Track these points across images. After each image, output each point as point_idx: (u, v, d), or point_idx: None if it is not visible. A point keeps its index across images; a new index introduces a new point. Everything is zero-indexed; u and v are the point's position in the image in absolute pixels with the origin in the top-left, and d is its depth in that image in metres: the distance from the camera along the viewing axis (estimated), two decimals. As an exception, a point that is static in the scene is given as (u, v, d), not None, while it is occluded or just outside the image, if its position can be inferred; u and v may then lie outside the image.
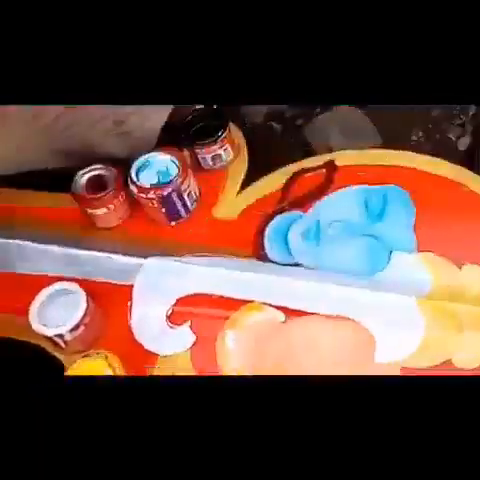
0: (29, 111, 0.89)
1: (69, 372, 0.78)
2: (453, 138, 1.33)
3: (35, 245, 0.91)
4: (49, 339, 0.81)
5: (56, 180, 0.96)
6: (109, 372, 0.77)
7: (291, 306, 0.83)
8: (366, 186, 0.90)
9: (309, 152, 1.06)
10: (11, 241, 0.92)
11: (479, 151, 1.12)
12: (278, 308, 0.83)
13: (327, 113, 1.39)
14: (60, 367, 0.80)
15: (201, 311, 0.85)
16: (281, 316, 0.83)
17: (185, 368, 0.82)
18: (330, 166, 0.93)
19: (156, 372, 0.82)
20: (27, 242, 0.92)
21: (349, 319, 0.81)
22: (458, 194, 0.89)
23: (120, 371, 0.77)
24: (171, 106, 0.97)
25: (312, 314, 0.82)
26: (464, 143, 1.30)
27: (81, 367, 0.78)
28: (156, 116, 0.97)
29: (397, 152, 0.95)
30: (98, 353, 0.79)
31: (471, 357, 0.78)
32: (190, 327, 0.83)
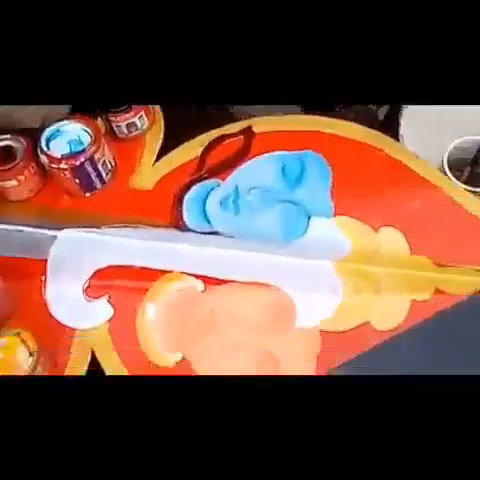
0: None
1: None
2: (373, 107, 1.36)
3: None
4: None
5: None
6: (23, 349, 0.76)
7: (210, 275, 0.83)
8: (283, 152, 0.91)
9: (231, 121, 1.05)
10: None
11: (396, 120, 1.14)
12: (197, 277, 0.84)
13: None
14: None
15: (119, 283, 0.85)
16: (200, 285, 0.84)
17: (104, 342, 0.82)
18: (248, 133, 0.94)
19: (73, 348, 0.82)
20: None
21: (269, 285, 0.82)
22: (375, 158, 0.91)
23: (34, 347, 0.76)
24: None
25: (232, 282, 0.83)
26: (383, 112, 1.33)
27: None
28: None
29: (315, 117, 0.96)
30: (9, 330, 0.77)
31: (388, 318, 0.80)
32: (108, 300, 0.83)
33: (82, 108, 0.94)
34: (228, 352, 0.81)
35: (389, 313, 0.80)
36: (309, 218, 0.86)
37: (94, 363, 0.81)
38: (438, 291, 0.80)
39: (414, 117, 1.04)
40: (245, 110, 1.29)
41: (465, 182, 0.91)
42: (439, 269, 0.82)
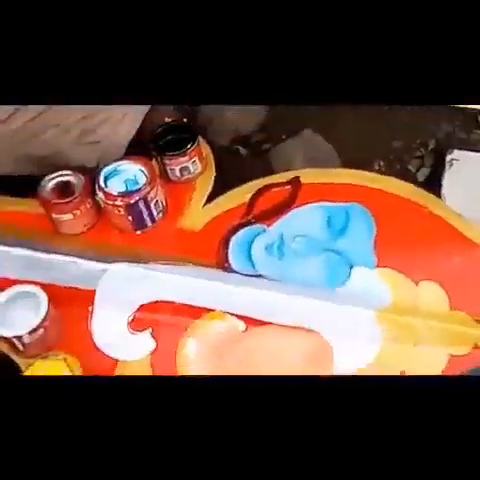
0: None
1: (27, 373, 0.77)
2: (413, 169, 1.37)
3: (-2, 247, 0.90)
4: (7, 340, 0.80)
5: (21, 185, 0.95)
6: (67, 373, 0.77)
7: (252, 316, 0.84)
8: (329, 203, 0.92)
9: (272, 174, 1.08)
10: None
11: (439, 181, 1.15)
12: (239, 317, 0.84)
13: (291, 139, 1.41)
14: (16, 369, 0.79)
15: (163, 318, 0.85)
16: (242, 325, 0.84)
17: (144, 375, 0.82)
18: (295, 182, 0.95)
19: (121, 367, 0.83)
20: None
21: (308, 330, 0.82)
22: (419, 215, 0.92)
23: (79, 374, 0.77)
24: (141, 118, 0.98)
25: (272, 324, 0.83)
26: (423, 174, 1.34)
27: (39, 368, 0.77)
28: (125, 127, 0.98)
29: (359, 171, 0.98)
30: (57, 355, 0.78)
31: (425, 370, 0.79)
32: (151, 334, 0.83)
33: (139, 151, 0.96)
34: None
35: (426, 365, 0.80)
36: (351, 268, 0.86)
37: None
38: (477, 347, 0.80)
39: (456, 179, 1.06)
40: (286, 167, 1.32)
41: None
42: (478, 325, 0.81)
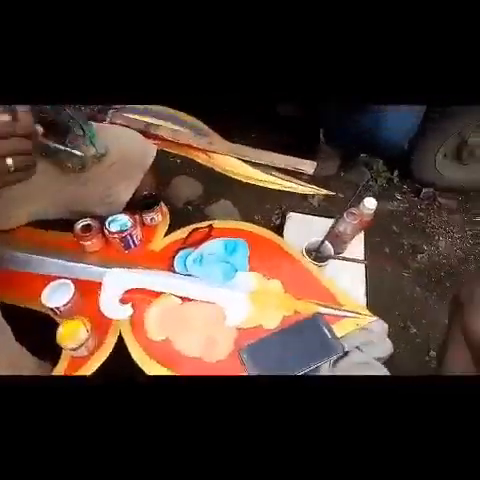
0: (55, 186, 0.87)
1: (61, 327, 0.77)
2: (274, 221, 1.46)
3: (48, 259, 0.91)
4: (51, 309, 0.81)
5: (65, 225, 0.95)
6: (84, 330, 0.76)
7: (184, 295, 0.86)
8: (226, 238, 0.95)
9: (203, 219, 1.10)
10: (34, 256, 0.91)
11: (282, 229, 1.20)
12: (177, 297, 0.86)
13: (215, 204, 1.48)
14: (56, 324, 0.79)
15: (138, 297, 0.86)
16: (179, 301, 0.86)
17: (127, 327, 0.83)
18: (210, 227, 0.98)
19: (111, 329, 0.82)
20: (44, 257, 0.91)
21: (212, 302, 0.85)
22: (271, 246, 0.96)
23: (89, 328, 0.77)
24: (133, 190, 0.97)
25: (195, 300, 0.86)
26: (276, 224, 1.44)
27: (67, 325, 0.77)
28: (125, 194, 0.97)
29: (246, 223, 1.00)
30: (78, 318, 0.78)
31: (271, 321, 0.83)
32: (131, 305, 0.84)
33: (129, 209, 0.96)
34: (192, 335, 0.82)
35: (272, 319, 0.84)
36: (236, 271, 0.89)
37: (120, 337, 0.82)
38: (297, 312, 0.84)
39: (290, 227, 1.13)
40: (212, 216, 1.37)
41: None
42: (298, 301, 0.85)
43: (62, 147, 0.77)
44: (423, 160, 1.57)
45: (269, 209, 1.56)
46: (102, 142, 0.83)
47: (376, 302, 0.88)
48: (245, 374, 0.76)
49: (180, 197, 1.50)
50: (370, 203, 0.97)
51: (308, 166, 0.98)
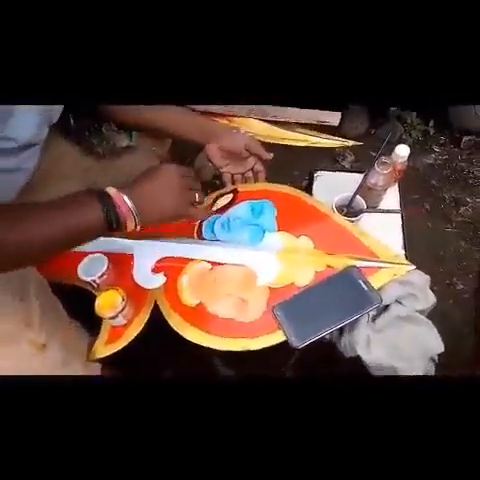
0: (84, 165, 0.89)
1: (98, 299, 0.79)
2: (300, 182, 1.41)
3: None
4: (88, 283, 0.83)
5: None
6: (120, 298, 0.79)
7: (215, 260, 0.86)
8: (252, 200, 0.93)
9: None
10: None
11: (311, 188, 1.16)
12: (208, 262, 0.86)
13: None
14: (93, 295, 0.81)
15: (170, 265, 0.87)
16: (209, 266, 0.86)
17: (160, 294, 0.84)
18: (235, 191, 0.96)
19: (147, 297, 0.83)
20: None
21: (244, 265, 0.85)
22: (299, 204, 0.93)
23: (125, 297, 0.79)
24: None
25: (225, 264, 0.86)
26: (304, 184, 1.38)
27: (104, 296, 0.80)
28: None
29: (271, 184, 0.97)
30: (113, 288, 0.81)
31: (304, 277, 0.82)
32: (164, 274, 0.84)
33: None
34: (224, 298, 0.83)
35: (305, 275, 0.83)
36: (264, 232, 0.88)
37: (155, 305, 0.84)
38: (329, 267, 0.82)
39: (319, 185, 1.09)
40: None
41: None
42: (329, 256, 0.84)
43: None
44: (462, 106, 1.45)
45: (297, 175, 1.51)
46: (136, 134, 0.82)
47: (417, 259, 0.83)
48: (280, 332, 0.76)
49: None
50: (403, 150, 0.92)
51: (333, 117, 0.93)
